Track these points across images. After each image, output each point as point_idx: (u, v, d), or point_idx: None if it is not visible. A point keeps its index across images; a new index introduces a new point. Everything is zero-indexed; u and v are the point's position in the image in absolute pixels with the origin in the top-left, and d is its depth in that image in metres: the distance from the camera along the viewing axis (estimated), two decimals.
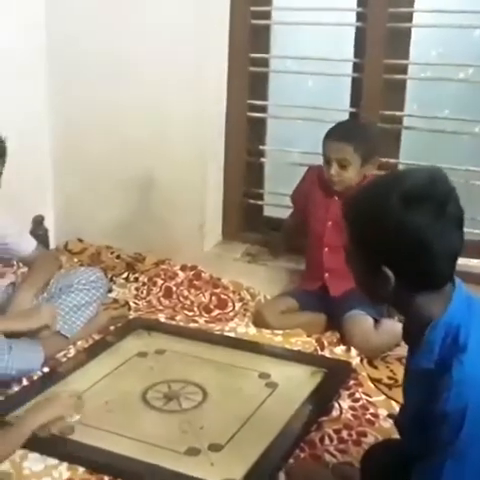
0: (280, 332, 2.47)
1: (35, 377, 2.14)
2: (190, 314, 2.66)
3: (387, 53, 2.67)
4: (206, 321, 2.61)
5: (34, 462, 1.73)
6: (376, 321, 2.42)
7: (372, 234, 1.24)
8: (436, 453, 1.22)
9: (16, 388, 2.09)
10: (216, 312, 2.69)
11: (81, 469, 1.72)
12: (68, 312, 2.34)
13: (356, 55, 2.76)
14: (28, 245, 2.41)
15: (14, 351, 2.07)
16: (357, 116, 2.75)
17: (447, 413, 1.19)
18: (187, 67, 2.82)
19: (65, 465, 1.73)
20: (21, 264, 2.74)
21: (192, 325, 2.57)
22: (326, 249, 2.56)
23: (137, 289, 2.85)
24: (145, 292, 2.82)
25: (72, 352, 2.31)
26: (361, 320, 2.40)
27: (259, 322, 2.54)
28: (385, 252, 1.24)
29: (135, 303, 2.74)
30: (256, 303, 2.74)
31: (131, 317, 2.59)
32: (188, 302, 2.75)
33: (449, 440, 1.19)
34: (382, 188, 1.26)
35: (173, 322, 2.57)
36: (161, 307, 2.71)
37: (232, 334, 2.47)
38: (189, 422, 1.90)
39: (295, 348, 2.37)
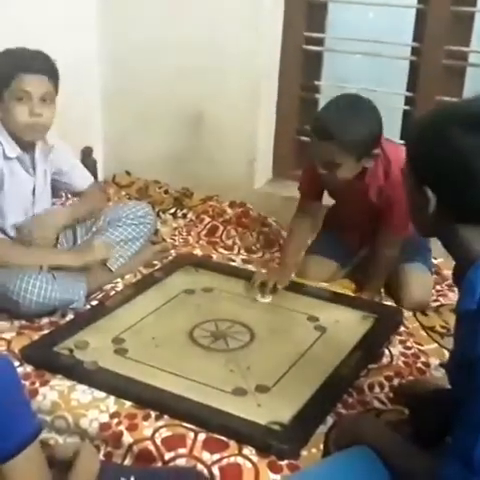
0: None
1: (83, 310, 2.14)
2: (236, 252, 2.63)
3: None
4: (252, 261, 2.57)
5: (82, 394, 1.73)
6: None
7: (423, 153, 1.24)
8: (475, 399, 1.17)
9: (67, 319, 2.10)
10: (262, 252, 2.65)
11: (128, 403, 1.71)
12: (114, 246, 2.35)
13: None
14: (84, 181, 2.44)
15: (58, 282, 2.07)
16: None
17: None
18: None
19: (112, 398, 1.73)
20: (70, 195, 2.74)
21: (240, 264, 2.53)
22: None
23: (184, 225, 2.82)
24: (191, 228, 2.78)
25: (120, 286, 2.31)
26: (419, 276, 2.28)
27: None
28: (432, 173, 1.22)
29: (183, 239, 2.72)
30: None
31: (176, 253, 2.56)
32: (232, 241, 2.71)
33: None
34: (442, 111, 1.26)
35: (220, 260, 2.55)
36: (206, 244, 2.68)
37: None
38: (236, 362, 1.88)
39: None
